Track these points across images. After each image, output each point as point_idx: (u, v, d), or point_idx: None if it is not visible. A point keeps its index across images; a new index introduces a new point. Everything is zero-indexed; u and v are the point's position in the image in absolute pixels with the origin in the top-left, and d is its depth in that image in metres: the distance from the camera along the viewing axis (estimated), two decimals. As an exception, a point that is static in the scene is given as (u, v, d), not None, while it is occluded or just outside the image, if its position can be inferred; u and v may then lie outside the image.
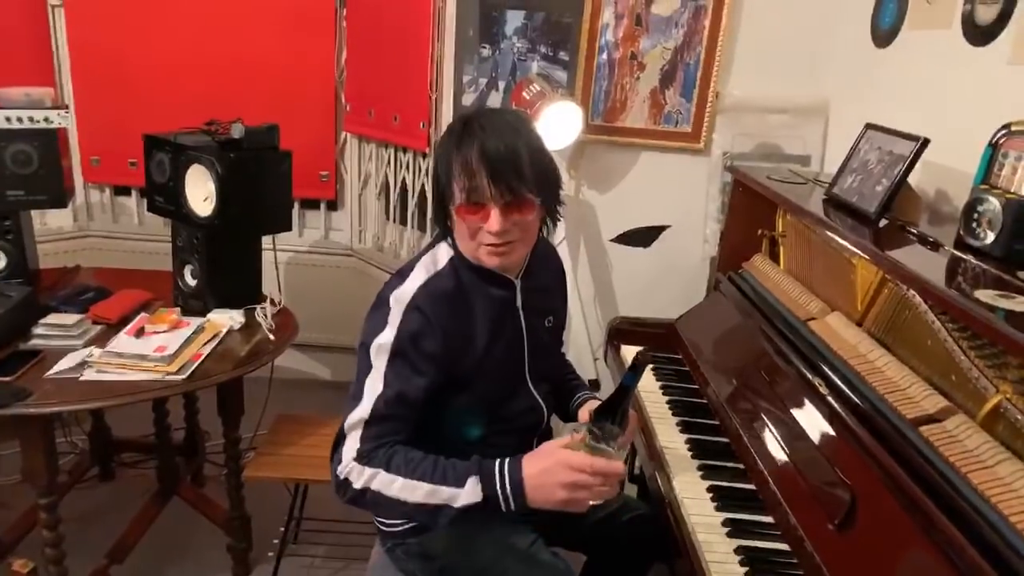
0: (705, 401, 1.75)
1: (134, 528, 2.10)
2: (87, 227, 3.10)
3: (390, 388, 1.20)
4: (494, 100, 2.46)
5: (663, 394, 1.79)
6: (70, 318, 1.87)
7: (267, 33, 2.86)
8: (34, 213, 2.20)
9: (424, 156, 2.86)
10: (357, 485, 1.18)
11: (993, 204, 1.25)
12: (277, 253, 2.25)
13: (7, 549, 2.02)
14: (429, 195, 2.39)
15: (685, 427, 1.64)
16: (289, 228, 2.23)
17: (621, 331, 2.12)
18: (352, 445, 1.20)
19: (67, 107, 2.54)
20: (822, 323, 1.55)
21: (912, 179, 1.53)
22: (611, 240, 2.54)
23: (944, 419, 1.14)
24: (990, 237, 1.25)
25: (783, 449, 1.39)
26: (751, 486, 1.42)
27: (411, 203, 2.98)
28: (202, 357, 1.80)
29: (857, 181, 1.62)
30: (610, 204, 2.50)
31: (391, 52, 2.75)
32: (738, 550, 1.24)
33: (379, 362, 1.22)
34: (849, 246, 1.44)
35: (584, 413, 1.43)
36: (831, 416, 1.33)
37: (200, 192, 1.97)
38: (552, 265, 1.49)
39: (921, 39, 1.84)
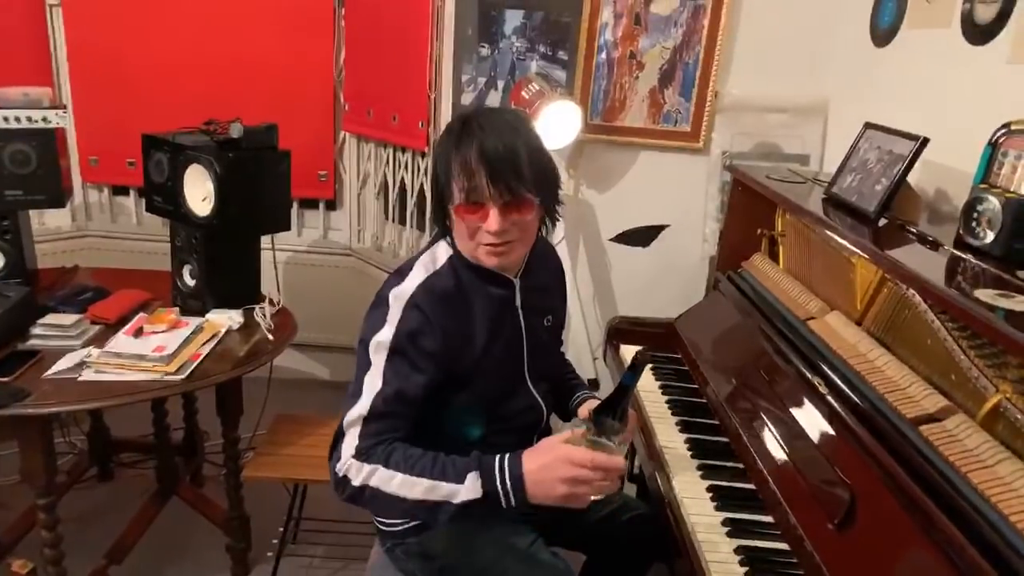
0: (704, 401, 1.75)
1: (133, 528, 2.09)
2: (85, 227, 3.09)
3: (389, 385, 1.20)
4: (493, 99, 2.46)
5: (662, 393, 1.79)
6: (68, 318, 1.87)
7: (266, 32, 2.85)
8: (32, 213, 2.20)
9: (423, 156, 2.86)
10: (356, 482, 1.18)
11: (993, 203, 1.25)
12: (276, 253, 2.25)
13: (6, 550, 2.02)
14: (428, 195, 2.39)
15: (684, 427, 1.64)
16: (288, 228, 2.23)
17: (620, 330, 2.11)
18: (351, 442, 1.20)
19: (65, 107, 2.54)
20: (821, 322, 1.55)
21: (911, 178, 1.53)
22: (610, 239, 2.54)
23: (944, 418, 1.14)
24: (990, 236, 1.25)
25: (783, 449, 1.38)
26: (751, 486, 1.42)
27: (410, 203, 2.98)
28: (201, 357, 1.80)
29: (856, 180, 1.62)
30: (609, 203, 2.50)
31: (390, 51, 2.74)
32: (738, 550, 1.24)
33: (378, 359, 1.22)
34: (848, 245, 1.44)
35: (584, 411, 1.43)
36: (831, 415, 1.33)
37: (199, 192, 1.97)
38: (551, 264, 1.49)
39: (920, 38, 1.84)
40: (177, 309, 2.02)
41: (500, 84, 2.45)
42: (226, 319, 1.98)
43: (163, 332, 1.85)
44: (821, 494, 1.23)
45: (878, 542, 1.09)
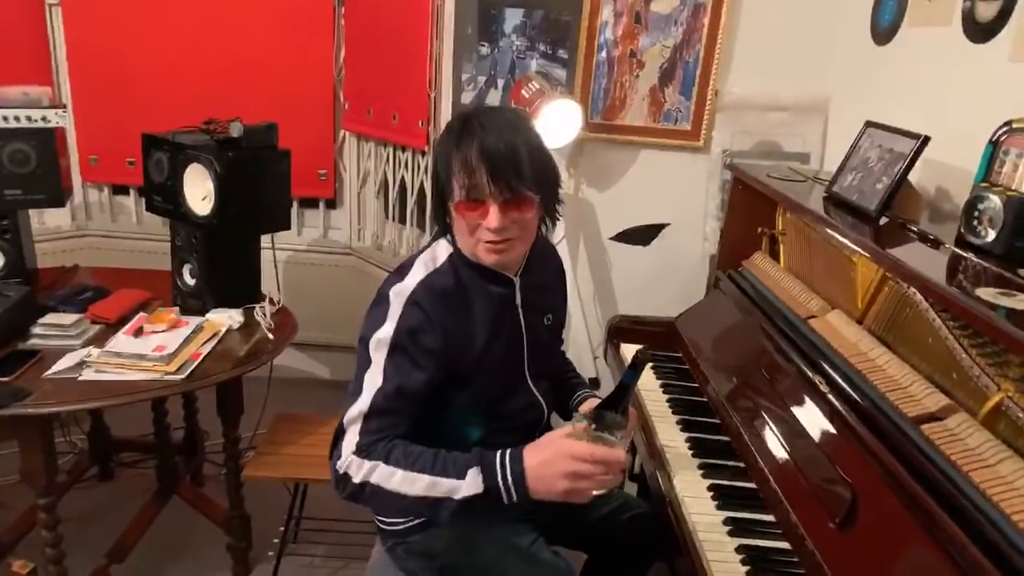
0: (705, 399, 1.75)
1: (134, 528, 2.09)
2: (85, 226, 3.09)
3: (389, 382, 1.20)
4: (493, 98, 2.46)
5: (663, 392, 1.79)
6: (68, 318, 1.87)
7: (265, 32, 2.85)
8: (32, 212, 2.20)
9: (423, 154, 2.85)
10: (356, 479, 1.18)
11: (994, 202, 1.25)
12: (276, 252, 2.24)
13: (6, 549, 2.02)
14: (428, 193, 2.38)
15: (685, 425, 1.64)
16: (288, 227, 2.22)
17: (621, 329, 2.11)
18: (351, 439, 1.20)
19: (65, 106, 2.54)
20: (822, 321, 1.55)
21: (912, 177, 1.53)
22: (611, 238, 2.54)
23: (945, 417, 1.14)
24: (991, 235, 1.25)
25: (784, 447, 1.38)
26: (752, 484, 1.42)
27: (410, 201, 2.98)
28: (201, 357, 1.80)
29: (857, 179, 1.62)
30: (609, 202, 2.50)
31: (390, 50, 2.74)
32: (739, 549, 1.24)
33: (378, 356, 1.22)
34: (850, 244, 1.44)
35: (584, 409, 1.43)
36: (832, 414, 1.32)
37: (199, 191, 1.97)
38: (551, 263, 1.49)
39: (921, 36, 1.84)
40: (177, 308, 2.02)
41: (500, 83, 2.44)
42: (226, 318, 1.98)
43: (163, 332, 1.85)
44: (822, 493, 1.23)
45: (879, 541, 1.09)
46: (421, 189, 2.90)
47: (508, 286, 1.32)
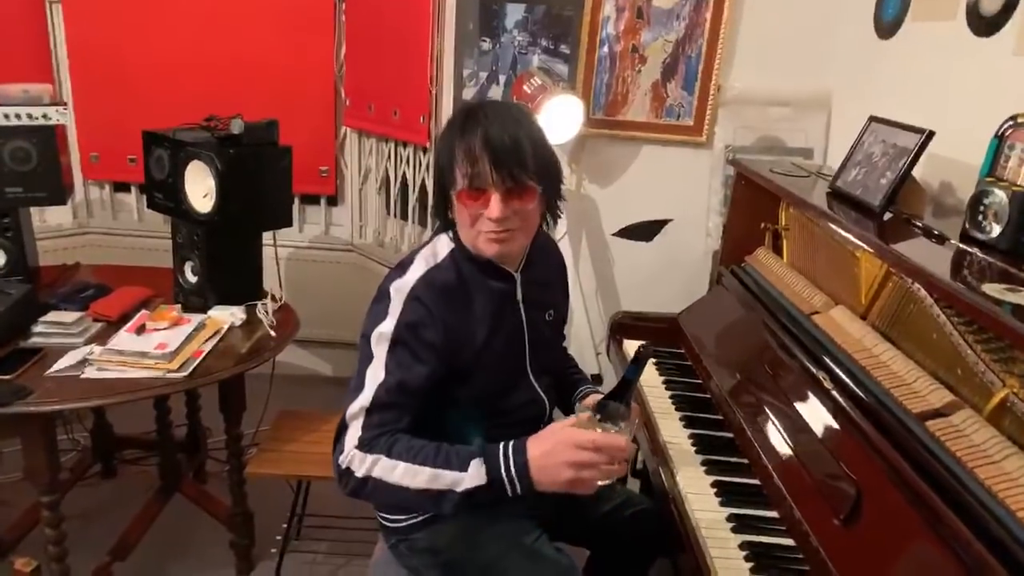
0: (708, 396, 1.74)
1: (136, 525, 2.10)
2: (87, 224, 3.09)
3: (391, 376, 1.20)
4: (495, 94, 2.45)
5: (666, 389, 1.79)
6: (70, 316, 1.87)
7: (266, 28, 2.84)
8: (33, 210, 2.19)
9: (424, 151, 2.85)
10: (359, 473, 1.18)
11: (999, 196, 1.24)
12: (277, 249, 2.24)
13: (9, 547, 2.02)
14: (430, 189, 2.38)
15: (688, 422, 1.64)
16: (289, 224, 2.22)
17: (623, 325, 2.11)
18: (354, 434, 1.20)
19: (65, 104, 2.53)
20: (826, 317, 1.55)
21: (916, 172, 1.52)
22: (613, 234, 2.53)
23: (950, 413, 1.13)
24: (996, 230, 1.25)
25: (787, 444, 1.38)
26: (755, 481, 1.41)
27: (412, 198, 2.97)
28: (203, 354, 1.80)
29: (861, 174, 1.61)
30: (612, 198, 2.49)
31: (391, 46, 2.73)
32: (742, 545, 1.24)
33: (380, 351, 1.22)
34: (853, 239, 1.43)
35: (587, 403, 1.42)
36: (836, 411, 1.32)
37: (200, 188, 1.96)
38: (553, 259, 1.48)
39: (925, 30, 1.83)
40: (179, 306, 2.02)
41: (502, 78, 2.44)
42: (228, 316, 1.98)
43: (165, 329, 1.85)
44: (826, 489, 1.22)
45: (884, 538, 1.09)
46: (422, 185, 2.90)
47: (509, 281, 1.32)
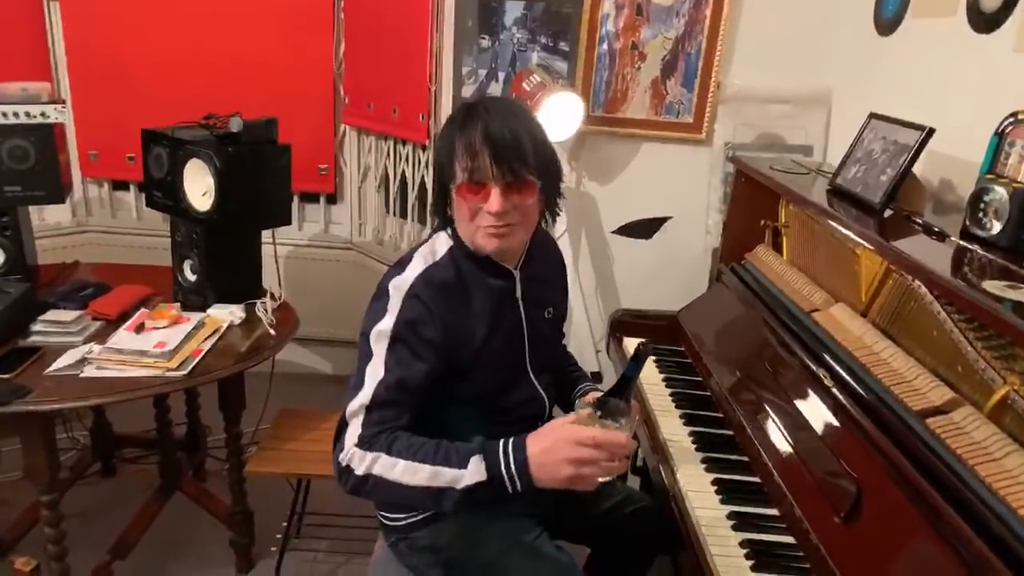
0: (708, 393, 1.74)
1: (136, 524, 2.09)
2: (86, 222, 3.09)
3: (391, 374, 1.20)
4: (494, 91, 2.44)
5: (666, 386, 1.79)
6: (69, 314, 1.87)
7: (265, 26, 2.84)
8: (32, 209, 2.19)
9: (424, 148, 2.84)
10: (359, 471, 1.17)
11: (1000, 194, 1.24)
12: (277, 247, 2.24)
13: (9, 547, 2.02)
14: (429, 187, 2.37)
15: (688, 419, 1.64)
16: (289, 222, 2.22)
17: (623, 323, 2.11)
18: (354, 431, 1.20)
19: (64, 102, 2.53)
20: (826, 314, 1.54)
21: (917, 169, 1.52)
22: (612, 232, 2.53)
23: (951, 411, 1.13)
24: (996, 227, 1.25)
25: (788, 441, 1.38)
26: (756, 479, 1.41)
27: (411, 196, 2.97)
28: (202, 353, 1.79)
29: (861, 171, 1.61)
30: (611, 196, 2.49)
31: (390, 44, 2.73)
32: (743, 543, 1.24)
33: (379, 349, 1.22)
34: (854, 236, 1.43)
35: (587, 400, 1.42)
36: (836, 408, 1.32)
37: (199, 187, 1.96)
38: (552, 257, 1.48)
39: (925, 27, 1.83)
40: (178, 304, 2.02)
41: (501, 76, 2.43)
42: (227, 314, 1.98)
43: (164, 328, 1.85)
44: (827, 487, 1.22)
45: (885, 535, 1.09)
46: (422, 183, 2.90)
47: (508, 279, 1.32)
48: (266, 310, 2.03)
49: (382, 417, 1.20)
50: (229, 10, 2.82)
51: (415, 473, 1.15)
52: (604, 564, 1.55)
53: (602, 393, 1.27)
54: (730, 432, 1.57)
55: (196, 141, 1.96)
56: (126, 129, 2.35)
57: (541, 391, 1.40)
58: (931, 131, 1.46)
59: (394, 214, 3.11)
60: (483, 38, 2.41)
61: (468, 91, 2.47)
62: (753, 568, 1.18)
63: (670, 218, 2.50)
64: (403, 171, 2.97)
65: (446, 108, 2.56)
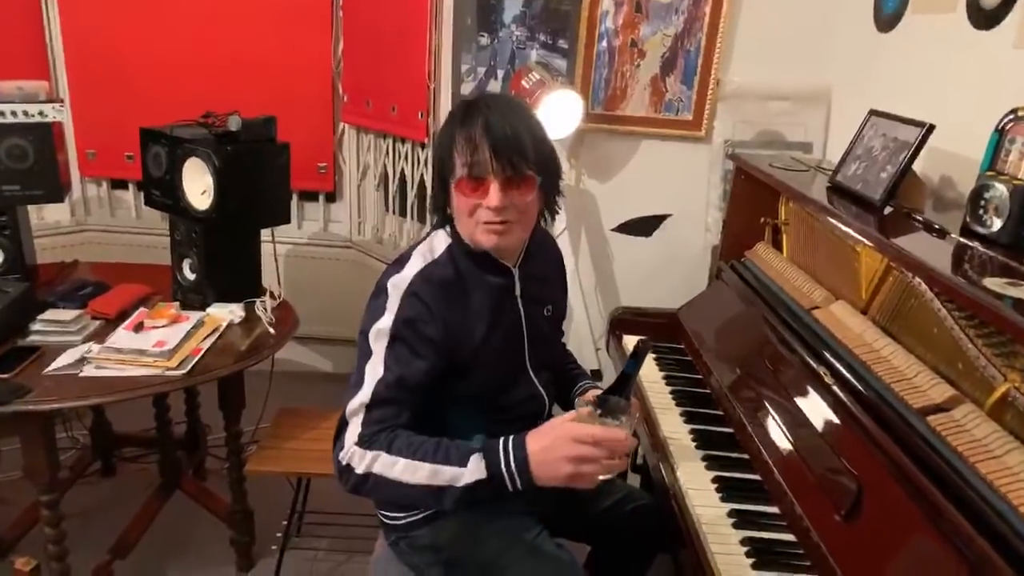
0: (708, 391, 1.74)
1: (136, 523, 2.09)
2: (84, 221, 3.08)
3: (390, 372, 1.20)
4: (493, 89, 2.44)
5: (666, 384, 1.79)
6: (68, 314, 1.86)
7: (263, 24, 2.83)
8: (31, 208, 2.19)
9: (423, 146, 2.84)
10: (359, 470, 1.17)
11: (1000, 190, 1.24)
12: (276, 246, 2.23)
13: (9, 546, 2.02)
14: (428, 185, 2.37)
15: (688, 417, 1.63)
16: (288, 221, 2.21)
17: (623, 321, 2.11)
18: (354, 430, 1.20)
19: (62, 101, 2.53)
20: (826, 312, 1.54)
21: (917, 166, 1.51)
22: (612, 229, 2.52)
23: (951, 408, 1.13)
24: (997, 224, 1.24)
25: (788, 439, 1.38)
26: (756, 476, 1.41)
27: (410, 194, 2.97)
28: (202, 352, 1.79)
29: (861, 168, 1.61)
30: (611, 193, 2.49)
31: (388, 42, 2.72)
32: (743, 541, 1.24)
33: (378, 347, 1.22)
34: (854, 234, 1.43)
35: (588, 398, 1.42)
36: (836, 405, 1.32)
37: (197, 185, 1.96)
38: (551, 256, 1.48)
39: (925, 23, 1.82)
40: (177, 303, 2.01)
41: (500, 73, 2.42)
42: (227, 313, 1.97)
43: (164, 327, 1.85)
44: (827, 485, 1.22)
45: (885, 533, 1.08)
46: (421, 181, 2.89)
47: (507, 276, 1.32)
48: (265, 309, 2.02)
49: (382, 416, 1.20)
50: (227, 8, 2.82)
51: (415, 471, 1.15)
52: (604, 562, 1.55)
53: (602, 391, 1.27)
54: (730, 430, 1.57)
55: (195, 140, 1.95)
56: (124, 128, 2.35)
57: (541, 389, 1.40)
58: (931, 128, 1.45)
59: (393, 212, 3.11)
60: (482, 36, 2.41)
61: (467, 89, 2.46)
62: (754, 566, 1.18)
63: (670, 216, 2.50)
64: (402, 169, 2.96)
65: (445, 106, 2.56)
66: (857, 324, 1.44)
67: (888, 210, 1.49)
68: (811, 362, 1.44)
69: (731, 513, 1.31)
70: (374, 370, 1.21)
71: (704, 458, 1.48)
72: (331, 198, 3.18)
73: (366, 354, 1.23)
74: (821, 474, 1.25)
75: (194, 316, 1.93)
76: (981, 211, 1.28)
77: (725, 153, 2.33)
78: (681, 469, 1.44)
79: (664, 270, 2.47)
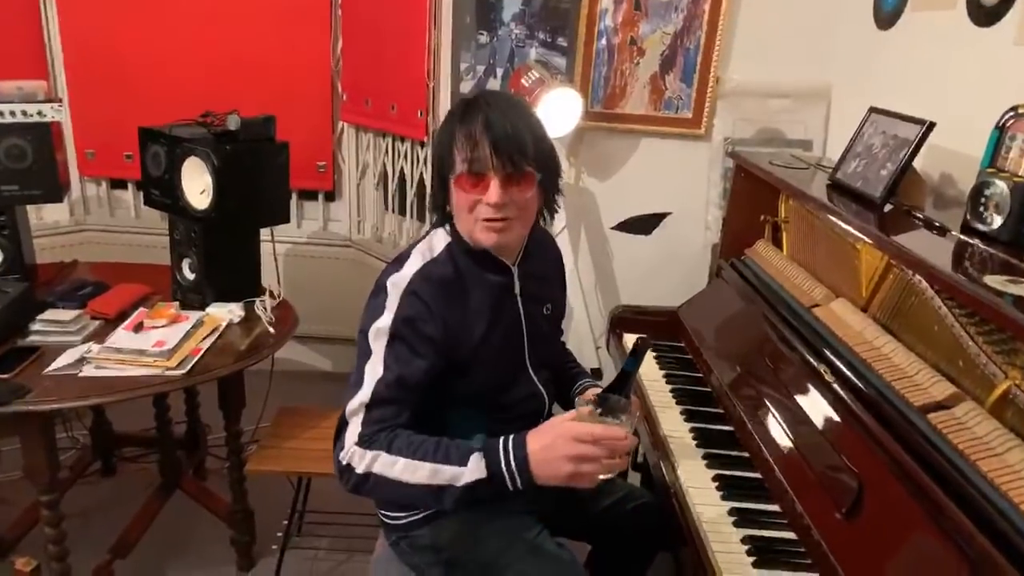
0: (709, 389, 1.74)
1: (137, 523, 2.09)
2: (84, 221, 3.08)
3: (390, 371, 1.20)
4: (492, 87, 2.43)
5: (666, 382, 1.78)
6: (68, 314, 1.86)
7: (262, 23, 2.83)
8: (30, 208, 2.18)
9: (422, 145, 2.84)
10: (359, 469, 1.17)
11: (1000, 188, 1.24)
12: (275, 245, 2.23)
13: (9, 547, 2.02)
14: (428, 184, 2.37)
15: (689, 415, 1.63)
16: (287, 220, 2.21)
17: (623, 319, 2.10)
18: (354, 430, 1.20)
19: (61, 100, 2.52)
20: (826, 309, 1.54)
21: (917, 163, 1.51)
22: (612, 228, 2.52)
23: (952, 406, 1.13)
24: (997, 221, 1.24)
25: (788, 437, 1.38)
26: (757, 474, 1.41)
27: (410, 193, 2.96)
28: (202, 352, 1.79)
29: (861, 166, 1.61)
30: (610, 191, 2.48)
31: (387, 41, 2.72)
32: (744, 539, 1.23)
33: (378, 346, 1.22)
34: (854, 231, 1.43)
35: (588, 396, 1.42)
36: (837, 403, 1.32)
37: (197, 185, 1.95)
38: (550, 254, 1.48)
39: (925, 20, 1.82)
40: (177, 303, 2.01)
41: (499, 72, 2.42)
42: (226, 312, 1.97)
43: (163, 327, 1.84)
44: (828, 483, 1.22)
45: (886, 531, 1.08)
46: (420, 180, 2.89)
47: (506, 275, 1.32)
48: (265, 308, 2.02)
49: (382, 415, 1.19)
50: (226, 7, 2.82)
51: (415, 471, 1.15)
52: (605, 561, 1.55)
53: (602, 389, 1.26)
54: (731, 428, 1.57)
55: (194, 139, 1.95)
56: (123, 127, 2.35)
57: (541, 388, 1.40)
58: (931, 125, 1.45)
59: (393, 211, 3.11)
60: (481, 34, 2.40)
61: (466, 87, 2.46)
62: (755, 564, 1.18)
63: (669, 214, 2.50)
64: (401, 168, 2.96)
65: (444, 104, 2.55)
66: (857, 322, 1.44)
67: (888, 207, 1.49)
68: (811, 360, 1.44)
69: (732, 511, 1.30)
70: (374, 369, 1.21)
71: (704, 456, 1.48)
72: (330, 197, 3.17)
73: (365, 353, 1.23)
74: (822, 472, 1.25)
75: (194, 316, 1.93)
76: (981, 208, 1.28)
77: (725, 151, 2.32)
78: (682, 467, 1.44)
79: (664, 268, 2.47)
